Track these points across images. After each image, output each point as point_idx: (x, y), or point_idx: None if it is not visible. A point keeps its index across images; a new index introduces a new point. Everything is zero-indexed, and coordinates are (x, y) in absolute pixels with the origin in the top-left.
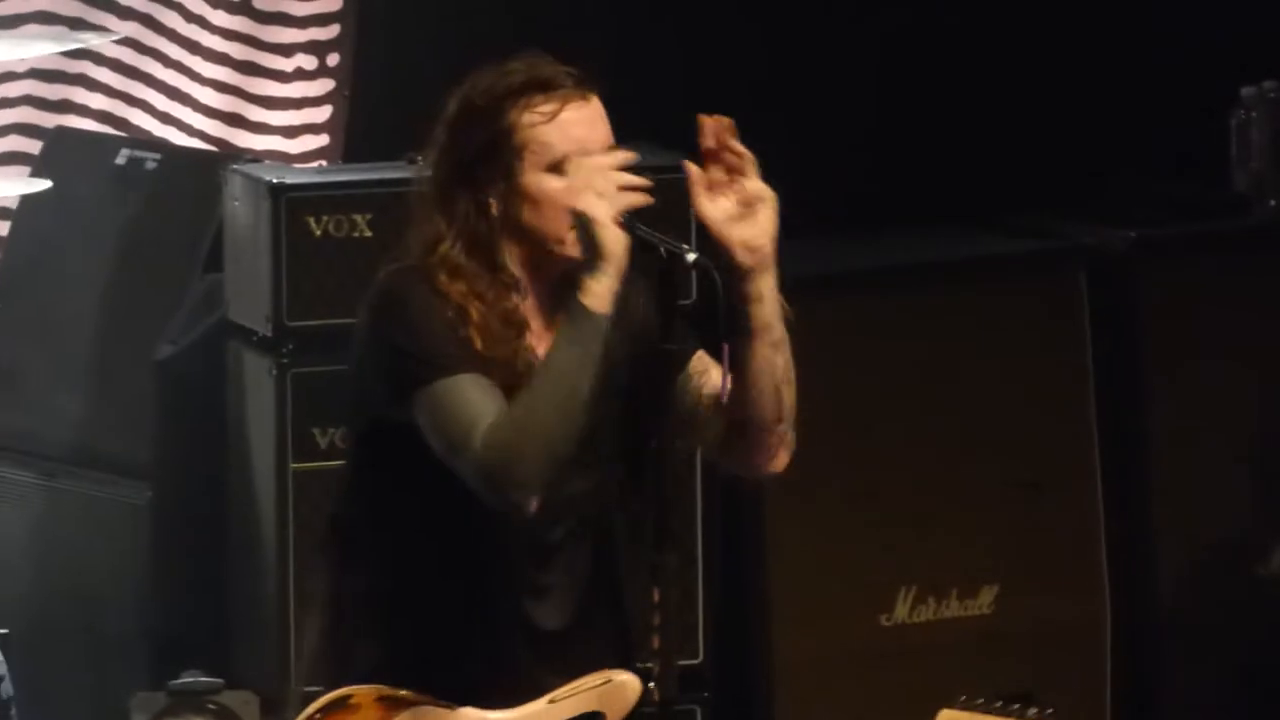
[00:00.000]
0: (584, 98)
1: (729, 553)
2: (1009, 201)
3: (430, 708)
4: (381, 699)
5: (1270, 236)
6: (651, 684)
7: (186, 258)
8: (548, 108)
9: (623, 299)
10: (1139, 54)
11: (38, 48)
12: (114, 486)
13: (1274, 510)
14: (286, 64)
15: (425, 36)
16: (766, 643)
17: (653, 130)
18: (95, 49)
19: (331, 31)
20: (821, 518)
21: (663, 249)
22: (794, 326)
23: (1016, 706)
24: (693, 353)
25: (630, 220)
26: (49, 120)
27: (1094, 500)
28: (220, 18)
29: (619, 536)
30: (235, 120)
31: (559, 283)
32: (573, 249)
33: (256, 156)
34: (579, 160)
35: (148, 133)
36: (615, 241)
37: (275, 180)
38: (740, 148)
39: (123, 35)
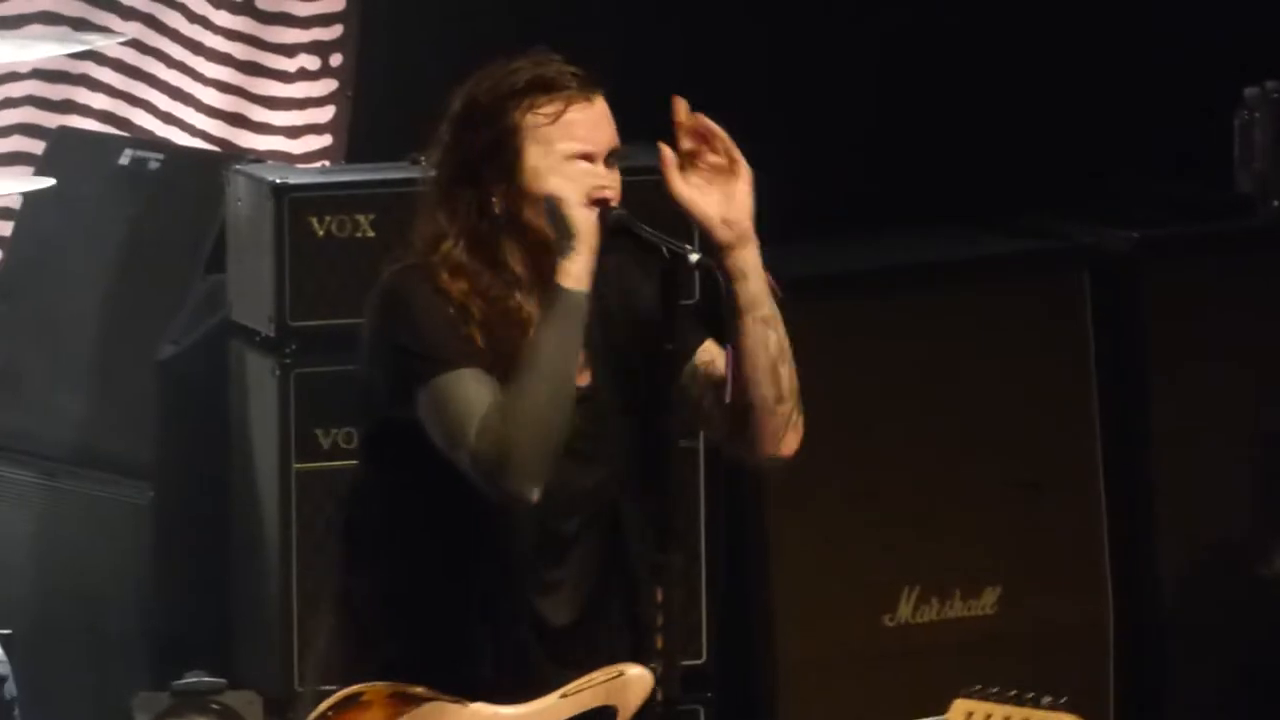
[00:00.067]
0: (587, 98)
1: (733, 553)
2: (1010, 201)
3: (442, 704)
4: (393, 696)
5: (1273, 237)
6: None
7: (189, 258)
8: (551, 109)
9: (630, 291)
10: (1140, 54)
11: (41, 49)
12: (116, 486)
13: (1276, 511)
14: (289, 64)
15: (428, 37)
16: (770, 643)
17: (654, 130)
18: (98, 50)
19: (334, 32)
20: (826, 518)
21: (665, 249)
22: (784, 303)
23: (1031, 695)
24: (699, 343)
25: (633, 221)
26: (52, 120)
27: (1096, 500)
28: (223, 18)
29: (629, 531)
30: (238, 120)
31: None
32: None
33: (259, 157)
34: (539, 148)
35: (150, 133)
36: (584, 220)
37: (278, 180)
38: (712, 124)
39: (126, 37)
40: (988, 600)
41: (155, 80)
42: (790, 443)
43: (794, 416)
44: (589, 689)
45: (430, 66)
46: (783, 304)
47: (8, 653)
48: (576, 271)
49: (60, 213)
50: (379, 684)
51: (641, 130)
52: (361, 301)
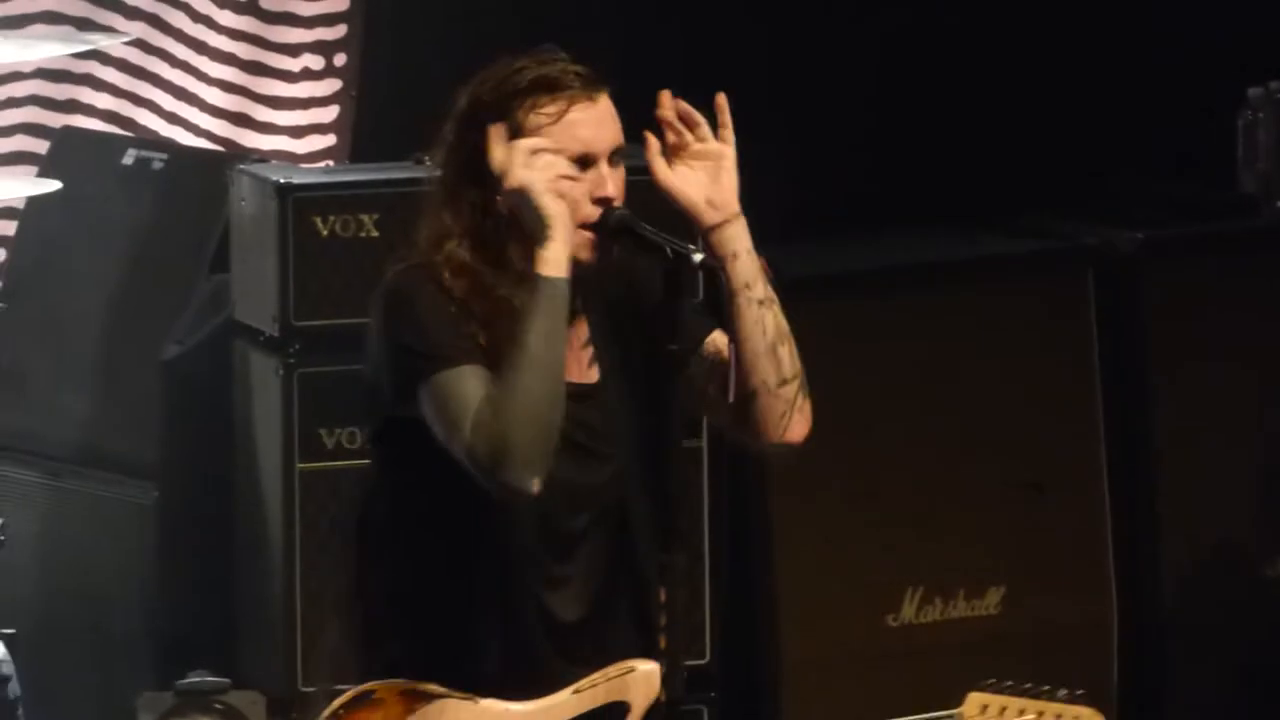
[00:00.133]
0: (591, 98)
1: (736, 552)
2: (1010, 201)
3: (453, 701)
4: (405, 693)
5: (1277, 238)
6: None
7: (193, 257)
8: (554, 108)
9: (636, 289)
10: (1141, 54)
11: (45, 49)
12: (120, 486)
13: (1278, 511)
14: (293, 64)
15: (432, 37)
16: (773, 643)
17: (655, 130)
18: (102, 49)
19: (338, 31)
20: (829, 518)
21: (668, 249)
22: (778, 285)
23: (1046, 688)
24: (708, 334)
25: (636, 220)
26: (56, 120)
27: (1099, 501)
28: (227, 18)
29: (637, 530)
30: (242, 120)
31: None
32: (581, 251)
33: (263, 156)
34: (500, 145)
35: (154, 132)
36: (553, 205)
37: (282, 180)
38: (691, 110)
39: (130, 36)
40: (991, 600)
41: (159, 80)
42: (797, 429)
43: (799, 400)
44: (601, 685)
45: (434, 66)
46: (778, 287)
47: (12, 652)
48: (553, 259)
49: (64, 213)
50: (391, 681)
51: (642, 130)
52: (366, 301)
